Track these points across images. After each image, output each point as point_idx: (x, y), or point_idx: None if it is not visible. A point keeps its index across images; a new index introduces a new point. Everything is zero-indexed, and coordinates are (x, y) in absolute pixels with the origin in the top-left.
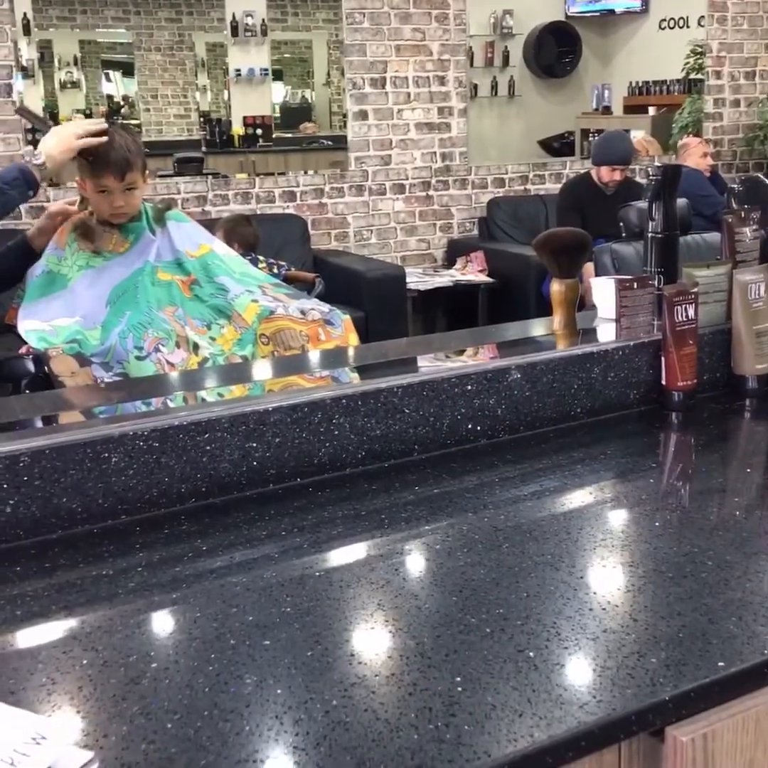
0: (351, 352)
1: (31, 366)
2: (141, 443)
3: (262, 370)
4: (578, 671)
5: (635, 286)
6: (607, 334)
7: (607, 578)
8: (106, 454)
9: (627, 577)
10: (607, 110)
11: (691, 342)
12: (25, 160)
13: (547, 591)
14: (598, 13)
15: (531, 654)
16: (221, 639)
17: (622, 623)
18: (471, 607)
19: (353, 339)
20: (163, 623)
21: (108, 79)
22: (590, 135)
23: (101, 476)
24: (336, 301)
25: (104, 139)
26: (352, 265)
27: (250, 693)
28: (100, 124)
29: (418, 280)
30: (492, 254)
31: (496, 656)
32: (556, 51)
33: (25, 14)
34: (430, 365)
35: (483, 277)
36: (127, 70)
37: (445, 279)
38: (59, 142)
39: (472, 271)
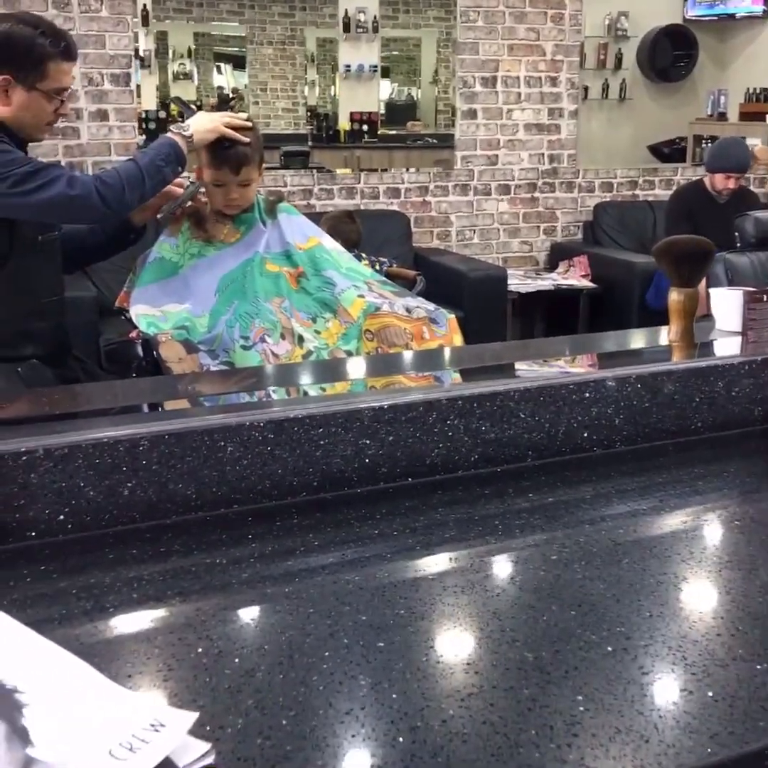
0: (454, 352)
1: (140, 350)
2: (256, 434)
3: (363, 367)
4: (708, 700)
5: (765, 298)
6: (729, 347)
7: (734, 603)
8: (222, 443)
9: (757, 603)
10: (722, 116)
11: None
12: (173, 132)
13: (671, 612)
14: (716, 17)
15: (657, 677)
16: (335, 637)
17: (753, 651)
18: (591, 623)
19: (458, 339)
20: (276, 617)
21: (219, 72)
22: (703, 141)
23: (216, 464)
24: (436, 300)
25: (249, 125)
26: (453, 265)
27: (366, 695)
28: (245, 119)
29: (519, 282)
30: (596, 259)
31: (619, 677)
32: (671, 55)
33: (144, 6)
34: (540, 370)
35: (586, 283)
36: (239, 63)
37: (546, 282)
38: (210, 120)
39: (574, 276)
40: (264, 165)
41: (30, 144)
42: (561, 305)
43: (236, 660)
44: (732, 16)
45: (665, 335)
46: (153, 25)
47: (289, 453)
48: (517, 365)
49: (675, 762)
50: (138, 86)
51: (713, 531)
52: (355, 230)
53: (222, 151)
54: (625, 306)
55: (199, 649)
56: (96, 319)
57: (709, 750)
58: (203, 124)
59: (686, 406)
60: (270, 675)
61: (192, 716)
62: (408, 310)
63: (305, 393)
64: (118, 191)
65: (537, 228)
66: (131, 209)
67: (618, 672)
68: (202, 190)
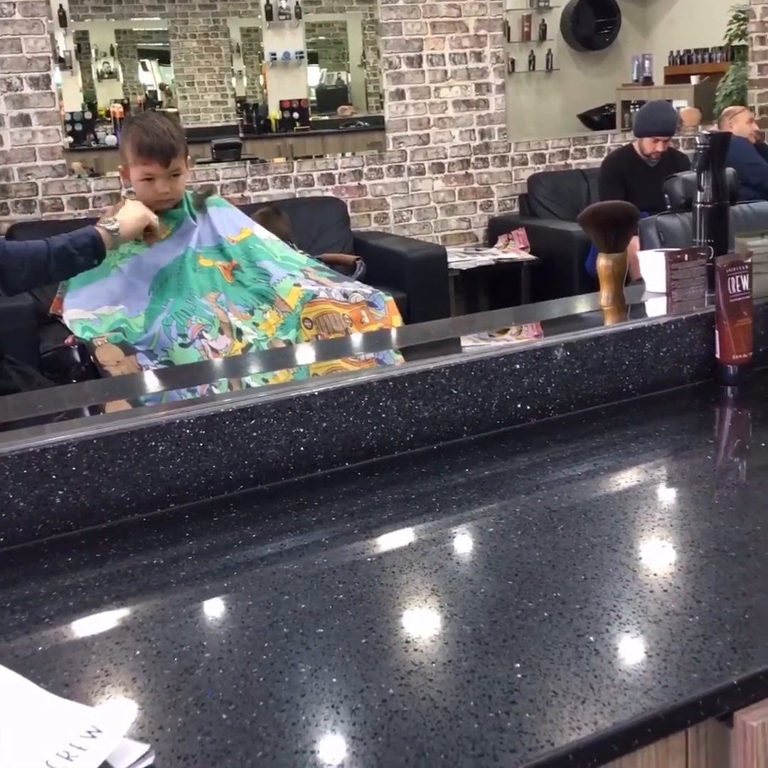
0: (395, 333)
1: (76, 356)
2: (187, 431)
3: (305, 355)
4: (641, 656)
5: (686, 258)
6: (657, 308)
7: (667, 559)
8: (153, 443)
9: (688, 558)
10: (648, 81)
11: (745, 314)
12: (99, 225)
13: (605, 573)
14: None
15: (591, 638)
16: (274, 627)
17: (685, 605)
18: (527, 591)
19: (397, 321)
20: (215, 612)
21: (144, 69)
22: (631, 107)
23: (149, 465)
24: (377, 282)
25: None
26: (393, 247)
27: (306, 682)
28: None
29: (459, 259)
30: (534, 231)
31: (556, 641)
32: (594, 22)
33: (61, 6)
34: (477, 345)
35: (525, 255)
36: (164, 58)
37: (486, 258)
38: (140, 209)
39: (513, 249)
40: (197, 159)
41: None
42: (503, 279)
43: (175, 659)
44: None
45: (595, 302)
46: (71, 25)
47: (223, 447)
48: (458, 341)
49: (611, 720)
50: (60, 89)
51: (646, 490)
52: (284, 223)
53: (147, 145)
54: (566, 275)
55: (137, 652)
56: (34, 326)
57: (643, 705)
58: (132, 214)
59: (616, 370)
60: (209, 671)
61: (128, 719)
62: (345, 296)
63: (248, 385)
64: (15, 271)
65: (473, 204)
66: (25, 290)
67: (555, 637)
68: None
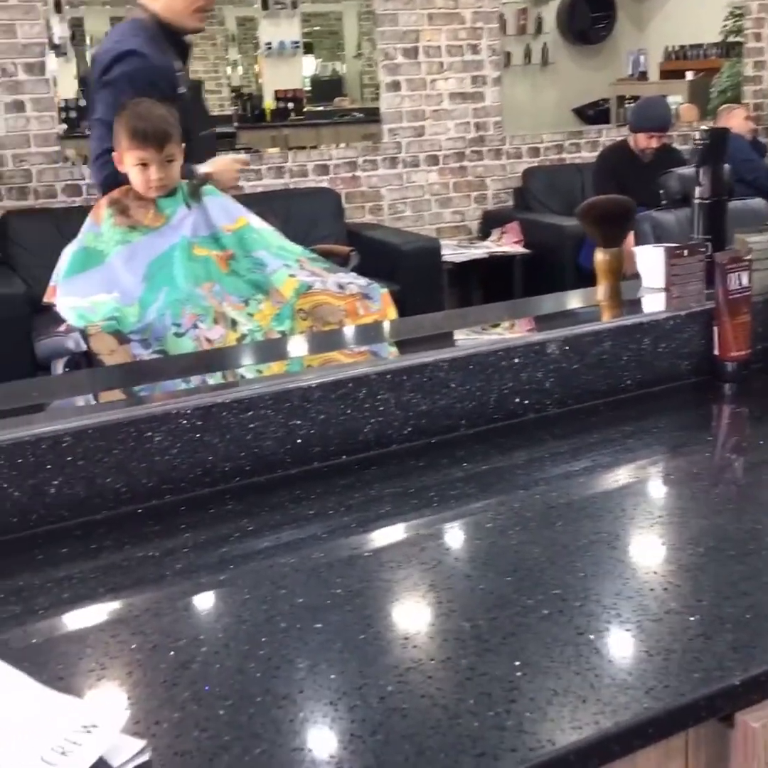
0: (390, 326)
1: (70, 344)
2: (184, 421)
3: (300, 346)
4: (642, 655)
5: (685, 253)
6: (655, 304)
7: (666, 557)
8: (150, 433)
9: (687, 555)
10: (643, 76)
11: (745, 311)
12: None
13: (604, 570)
14: None
15: (592, 637)
16: (271, 622)
17: (686, 604)
18: (526, 588)
19: (392, 313)
20: (211, 606)
21: None
22: (626, 102)
23: (145, 456)
24: (371, 274)
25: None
26: (386, 239)
27: (303, 678)
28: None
29: (453, 252)
30: (527, 225)
31: (556, 639)
32: (590, 17)
33: None
34: (472, 339)
35: (518, 249)
36: None
37: (480, 251)
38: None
39: (507, 243)
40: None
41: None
42: (496, 273)
43: (171, 653)
44: None
45: (591, 297)
46: (67, 11)
47: (219, 439)
48: (455, 334)
49: (612, 720)
50: (54, 75)
51: (644, 487)
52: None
53: (142, 130)
54: (559, 269)
55: (133, 645)
56: (27, 315)
57: (644, 705)
58: (224, 164)
59: (615, 365)
60: (206, 665)
61: (124, 714)
62: (341, 287)
63: (242, 376)
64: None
65: (468, 197)
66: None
67: (554, 634)
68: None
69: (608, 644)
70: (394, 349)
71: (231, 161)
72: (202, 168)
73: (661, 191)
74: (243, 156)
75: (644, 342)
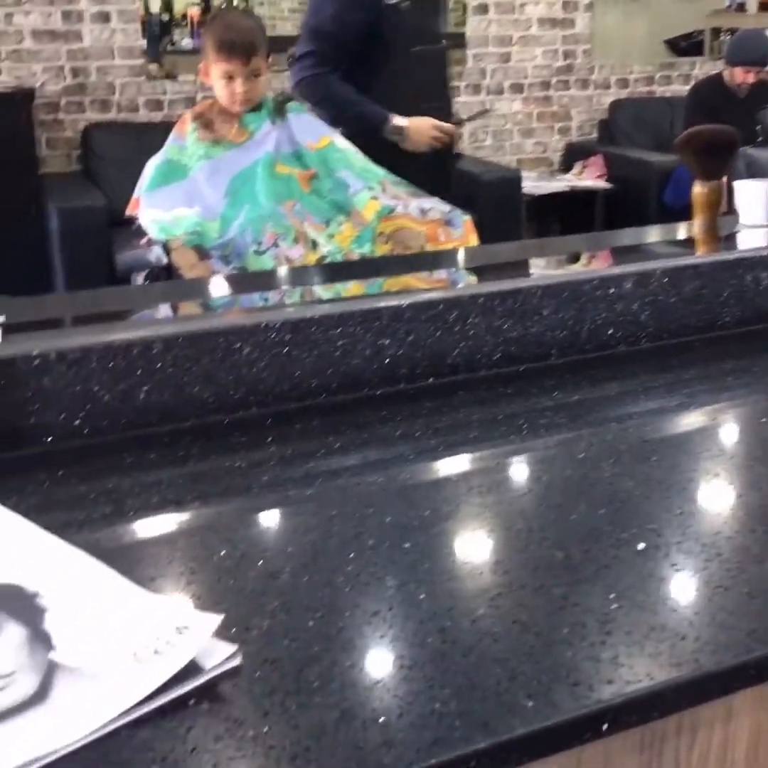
0: (470, 252)
1: (151, 258)
2: (273, 335)
3: (378, 269)
4: (744, 596)
5: None
6: (755, 240)
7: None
8: (238, 345)
9: None
10: (741, 7)
11: None
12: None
13: (703, 509)
14: None
15: (691, 574)
16: (359, 538)
17: None
18: (621, 521)
19: (473, 240)
20: (299, 519)
21: None
22: (722, 34)
23: (233, 367)
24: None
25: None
26: (466, 168)
27: (393, 596)
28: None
29: (533, 184)
30: (612, 159)
31: (652, 575)
32: None
33: None
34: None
35: (601, 183)
36: None
37: (561, 184)
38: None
39: (589, 177)
40: (273, 67)
41: None
42: (576, 207)
43: (260, 562)
44: None
45: (686, 232)
46: None
47: (307, 354)
48: (538, 264)
49: (712, 659)
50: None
51: (743, 426)
52: None
53: (229, 41)
54: (642, 206)
55: (222, 552)
56: (107, 228)
57: (747, 646)
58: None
59: (713, 301)
60: (295, 577)
61: (217, 618)
62: (422, 212)
63: (320, 298)
64: None
65: (551, 128)
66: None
67: (650, 569)
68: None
69: (708, 583)
70: (472, 278)
71: (430, 127)
72: (399, 121)
73: (758, 127)
74: (448, 126)
75: (746, 278)
